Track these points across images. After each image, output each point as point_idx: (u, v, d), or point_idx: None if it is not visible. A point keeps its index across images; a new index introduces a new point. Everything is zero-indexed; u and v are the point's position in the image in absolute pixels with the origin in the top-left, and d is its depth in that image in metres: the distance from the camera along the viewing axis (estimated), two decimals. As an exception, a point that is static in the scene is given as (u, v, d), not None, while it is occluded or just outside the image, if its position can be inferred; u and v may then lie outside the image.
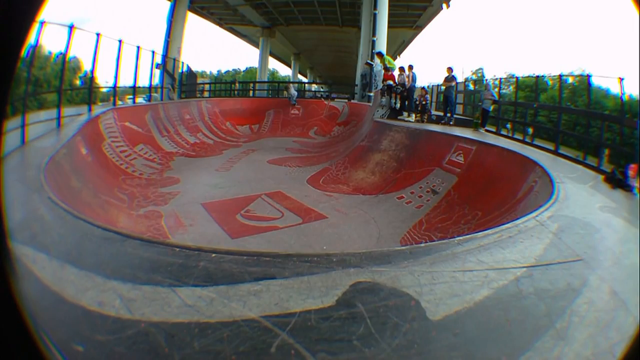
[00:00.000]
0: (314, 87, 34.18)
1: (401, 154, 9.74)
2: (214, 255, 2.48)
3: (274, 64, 48.24)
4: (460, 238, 2.90)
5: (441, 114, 12.65)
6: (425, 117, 11.98)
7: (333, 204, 8.11)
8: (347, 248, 6.00)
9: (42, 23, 8.25)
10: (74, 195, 5.95)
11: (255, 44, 36.02)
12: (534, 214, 3.62)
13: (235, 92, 26.77)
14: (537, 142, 10.11)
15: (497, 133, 11.38)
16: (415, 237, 6.60)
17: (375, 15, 18.41)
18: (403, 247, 2.86)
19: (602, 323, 1.90)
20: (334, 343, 1.77)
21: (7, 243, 1.13)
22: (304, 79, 51.64)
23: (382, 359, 1.68)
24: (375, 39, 18.38)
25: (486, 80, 13.89)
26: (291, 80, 40.00)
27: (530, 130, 11.40)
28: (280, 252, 2.77)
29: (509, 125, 12.13)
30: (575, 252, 2.80)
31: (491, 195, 6.67)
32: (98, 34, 11.05)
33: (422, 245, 2.89)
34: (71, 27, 9.68)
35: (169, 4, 19.97)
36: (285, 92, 19.33)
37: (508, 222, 3.43)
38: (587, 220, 3.55)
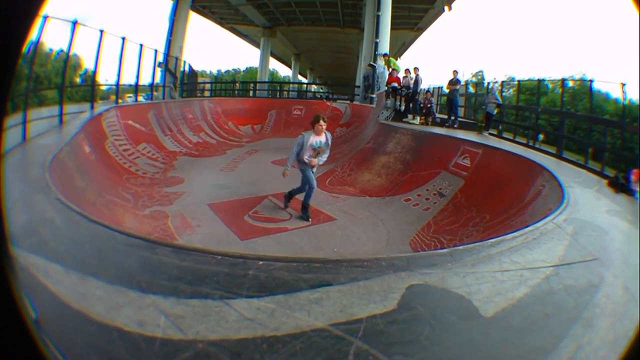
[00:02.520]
0: (314, 87, 34.10)
1: (407, 157, 9.72)
2: (261, 262, 2.35)
3: (274, 64, 48.25)
4: (492, 240, 3.06)
5: (444, 116, 12.64)
6: (430, 120, 11.95)
7: (340, 205, 8.05)
8: (358, 250, 5.98)
9: (45, 18, 8.10)
10: (79, 195, 5.80)
11: (255, 43, 35.94)
12: (551, 217, 3.77)
13: (236, 92, 26.64)
14: (537, 145, 10.12)
15: (500, 136, 11.39)
16: (424, 239, 6.55)
17: (378, 16, 18.37)
18: (444, 250, 2.87)
19: (618, 313, 2.15)
20: (406, 345, 1.83)
21: (7, 243, 1.07)
22: (304, 80, 51.65)
23: (452, 356, 1.80)
24: (378, 40, 18.33)
25: (491, 84, 13.89)
26: (291, 80, 39.95)
27: (541, 136, 11.43)
28: (328, 257, 2.86)
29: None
30: (591, 252, 3.03)
31: (498, 198, 6.66)
32: (101, 31, 10.93)
33: (460, 247, 2.89)
34: (74, 23, 9.52)
35: (171, 2, 19.91)
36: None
37: (529, 225, 3.55)
38: (597, 223, 3.76)
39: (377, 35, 18.39)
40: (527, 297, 2.25)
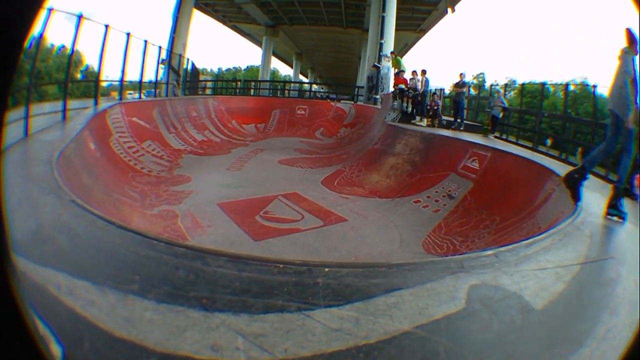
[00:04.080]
0: (315, 87, 34.01)
1: (416, 158, 9.68)
2: (327, 269, 2.26)
3: (275, 63, 48.07)
4: (527, 242, 3.28)
5: (449, 118, 12.62)
6: (436, 122, 11.91)
7: (351, 206, 7.98)
8: (372, 251, 5.96)
9: (49, 10, 7.90)
10: (86, 194, 5.63)
11: (257, 42, 35.85)
12: (570, 220, 4.01)
13: (237, 90, 26.49)
14: (545, 150, 10.12)
15: (506, 139, 11.39)
16: (437, 241, 6.56)
17: (383, 17, 18.32)
18: (490, 252, 2.97)
19: (632, 303, 2.42)
20: (484, 339, 1.97)
21: (8, 243, 0.94)
22: (305, 79, 51.53)
23: (521, 345, 1.97)
24: (382, 41, 18.28)
25: (496, 86, 13.91)
26: (292, 80, 39.85)
27: (549, 141, 11.44)
28: (390, 262, 2.87)
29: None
30: (607, 252, 3.40)
31: (508, 201, 6.65)
32: (107, 26, 10.73)
33: (502, 249, 3.04)
34: (80, 17, 9.31)
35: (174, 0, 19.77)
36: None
37: (553, 228, 3.79)
38: (609, 225, 4.13)
39: (381, 36, 18.35)
40: (565, 291, 2.51)
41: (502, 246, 3.15)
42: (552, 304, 2.32)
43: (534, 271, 2.69)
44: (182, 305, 1.83)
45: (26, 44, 0.97)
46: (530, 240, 3.31)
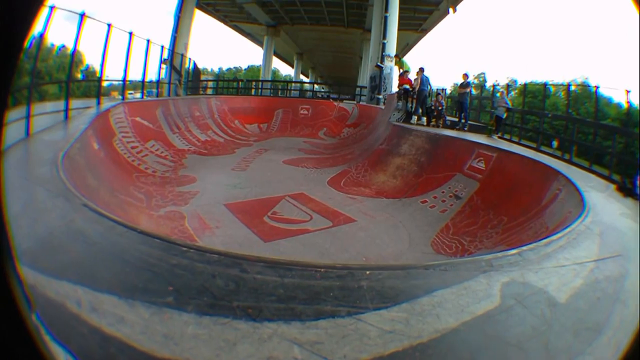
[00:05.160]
0: (315, 87, 33.92)
1: (422, 159, 9.68)
2: (368, 272, 2.25)
3: (276, 63, 47.90)
4: (545, 241, 3.49)
5: (454, 119, 12.58)
6: (441, 122, 11.84)
7: (358, 207, 7.95)
8: (382, 252, 5.96)
9: (51, 8, 7.74)
10: (92, 195, 5.52)
11: (258, 42, 35.73)
12: (580, 220, 4.20)
13: (239, 90, 26.37)
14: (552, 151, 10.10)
15: (509, 140, 11.34)
16: (445, 241, 6.59)
17: (386, 17, 18.19)
18: (514, 251, 3.15)
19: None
20: (523, 333, 2.08)
21: (8, 241, 0.86)
22: (305, 79, 51.40)
23: (558, 339, 2.09)
24: (385, 41, 18.15)
25: (498, 87, 13.88)
26: (293, 79, 39.74)
27: (555, 143, 11.40)
28: (426, 264, 2.97)
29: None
30: (616, 249, 3.51)
31: (514, 201, 6.69)
32: (109, 25, 10.61)
33: (524, 247, 3.24)
34: (82, 16, 9.18)
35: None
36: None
37: (566, 227, 3.98)
38: (615, 225, 4.27)
39: (384, 36, 18.21)
40: (582, 286, 2.71)
41: (524, 245, 3.30)
42: (573, 298, 2.53)
43: (554, 268, 2.90)
44: (226, 317, 1.73)
45: (26, 43, 0.94)
46: (548, 240, 3.52)
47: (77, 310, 1.70)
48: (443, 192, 8.16)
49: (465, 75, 12.11)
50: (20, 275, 0.80)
